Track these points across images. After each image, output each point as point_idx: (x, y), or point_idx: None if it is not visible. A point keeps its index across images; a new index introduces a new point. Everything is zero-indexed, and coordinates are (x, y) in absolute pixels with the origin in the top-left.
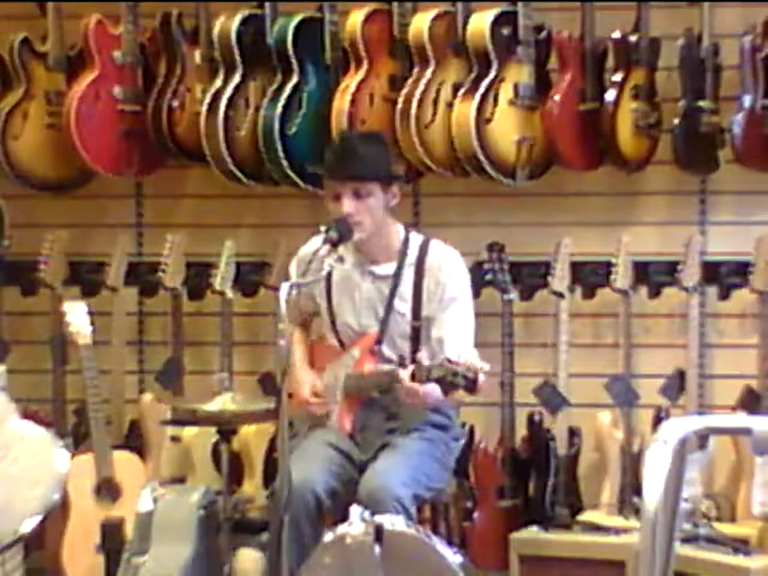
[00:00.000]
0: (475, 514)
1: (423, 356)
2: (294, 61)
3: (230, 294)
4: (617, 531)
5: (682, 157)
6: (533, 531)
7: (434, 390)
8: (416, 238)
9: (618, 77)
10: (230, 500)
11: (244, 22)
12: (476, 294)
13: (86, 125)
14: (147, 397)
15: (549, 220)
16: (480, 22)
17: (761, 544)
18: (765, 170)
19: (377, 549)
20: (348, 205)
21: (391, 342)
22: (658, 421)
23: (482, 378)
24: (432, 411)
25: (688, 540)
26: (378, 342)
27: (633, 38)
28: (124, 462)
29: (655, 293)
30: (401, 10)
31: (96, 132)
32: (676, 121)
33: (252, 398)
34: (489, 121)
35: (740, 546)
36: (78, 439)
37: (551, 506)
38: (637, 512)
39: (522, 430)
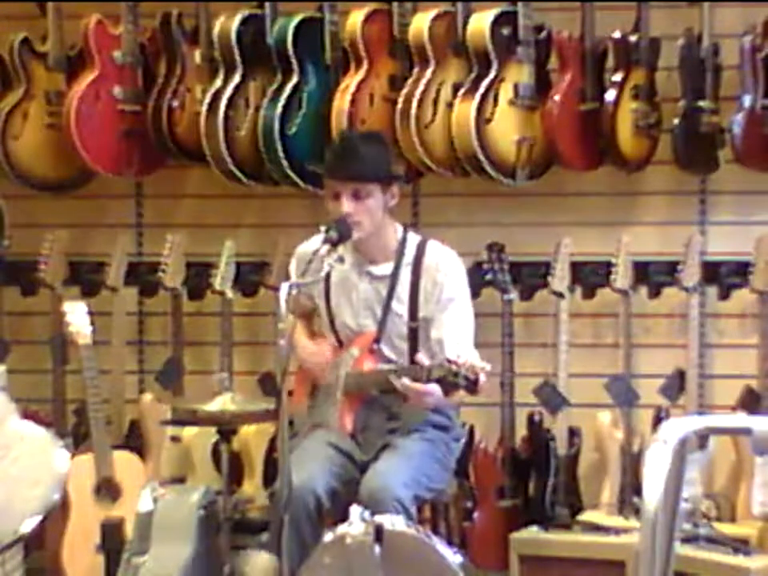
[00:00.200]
0: (475, 514)
1: (423, 357)
2: (294, 61)
3: (230, 294)
4: (617, 531)
5: (682, 157)
6: (533, 531)
7: (435, 390)
8: (413, 238)
9: (617, 77)
10: (230, 500)
11: (244, 21)
12: (476, 294)
13: (86, 125)
14: (147, 397)
15: (549, 220)
16: (480, 22)
17: (761, 544)
18: (765, 169)
19: (377, 549)
20: (347, 205)
21: (389, 343)
22: (658, 421)
23: (482, 378)
24: (433, 411)
25: (688, 540)
26: (377, 341)
27: (633, 38)
28: (124, 462)
29: (655, 293)
30: (401, 10)
31: (96, 132)
32: (676, 121)
33: (252, 398)
34: (489, 121)
35: (740, 546)
36: (78, 439)
37: (551, 505)
38: (637, 512)
39: (522, 430)
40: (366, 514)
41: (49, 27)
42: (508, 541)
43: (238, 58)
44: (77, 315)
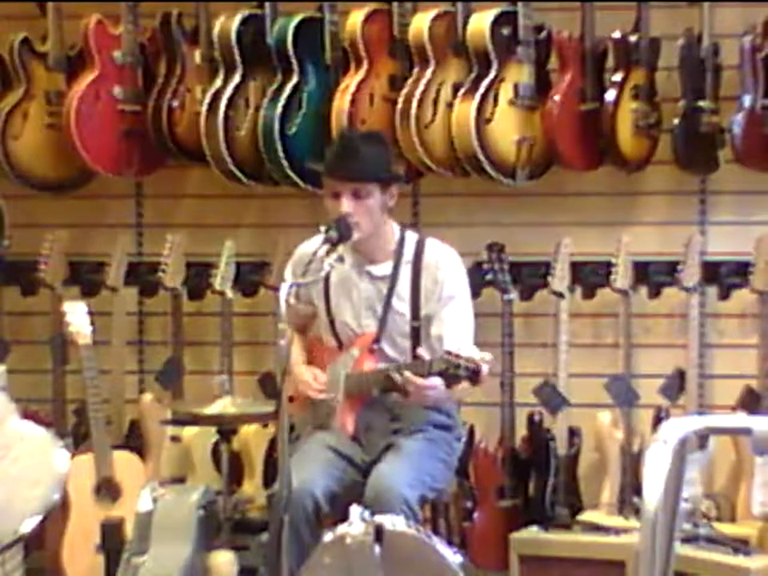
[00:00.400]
0: (475, 514)
1: (423, 352)
2: (294, 61)
3: (229, 294)
4: (617, 531)
5: (682, 157)
6: (533, 531)
7: (437, 383)
8: (411, 237)
9: (617, 77)
10: (230, 500)
11: (244, 21)
12: (476, 294)
13: (86, 125)
14: (147, 397)
15: (549, 220)
16: (480, 22)
17: (761, 544)
18: (765, 169)
19: (377, 549)
20: (347, 205)
21: (391, 341)
22: (658, 421)
23: (485, 368)
24: (434, 411)
25: (688, 540)
26: (377, 340)
27: (633, 38)
28: (124, 462)
29: (655, 293)
30: (401, 10)
31: (96, 132)
32: (676, 121)
33: (252, 399)
34: (489, 121)
35: (740, 546)
36: (78, 439)
37: (551, 505)
38: (637, 512)
39: (522, 430)
40: (366, 513)
41: (49, 27)
42: (508, 541)
43: (237, 57)
44: (77, 315)
